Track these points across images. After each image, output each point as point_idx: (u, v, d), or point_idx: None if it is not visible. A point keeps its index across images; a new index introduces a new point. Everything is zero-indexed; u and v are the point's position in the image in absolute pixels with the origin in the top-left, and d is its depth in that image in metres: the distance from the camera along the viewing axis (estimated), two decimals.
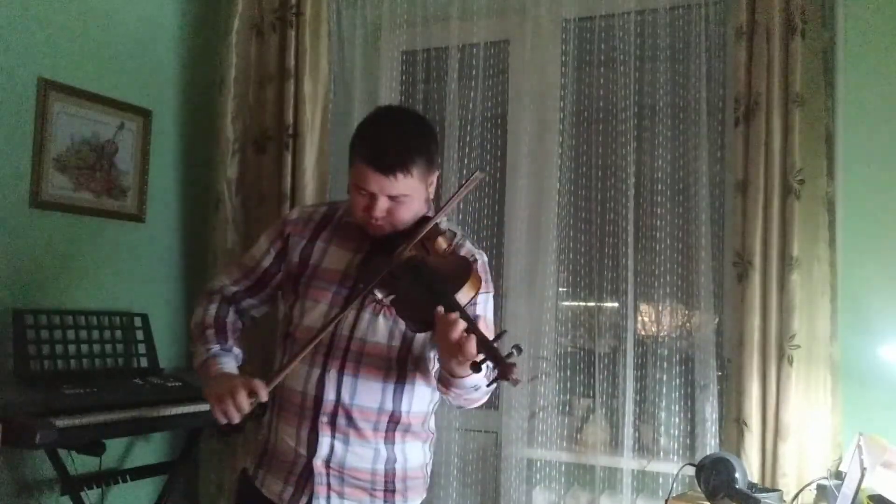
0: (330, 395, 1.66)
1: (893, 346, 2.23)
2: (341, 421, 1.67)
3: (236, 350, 1.83)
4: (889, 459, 1.98)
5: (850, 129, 2.36)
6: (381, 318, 1.70)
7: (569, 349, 2.72)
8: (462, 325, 1.43)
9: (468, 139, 2.82)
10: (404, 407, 1.72)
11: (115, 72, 2.87)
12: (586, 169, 2.73)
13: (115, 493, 2.80)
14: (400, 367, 1.70)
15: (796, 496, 2.12)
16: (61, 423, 2.12)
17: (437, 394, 1.76)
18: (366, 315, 1.70)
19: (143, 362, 2.76)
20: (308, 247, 1.78)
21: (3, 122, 2.53)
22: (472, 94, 2.84)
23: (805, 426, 2.25)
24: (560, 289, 2.71)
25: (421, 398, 1.75)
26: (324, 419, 1.67)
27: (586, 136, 2.76)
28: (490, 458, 2.77)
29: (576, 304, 2.75)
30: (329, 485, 1.68)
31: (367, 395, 1.68)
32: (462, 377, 1.52)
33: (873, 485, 1.90)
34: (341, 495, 1.69)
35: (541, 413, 2.68)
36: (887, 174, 2.33)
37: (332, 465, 1.68)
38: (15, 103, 2.56)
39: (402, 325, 1.67)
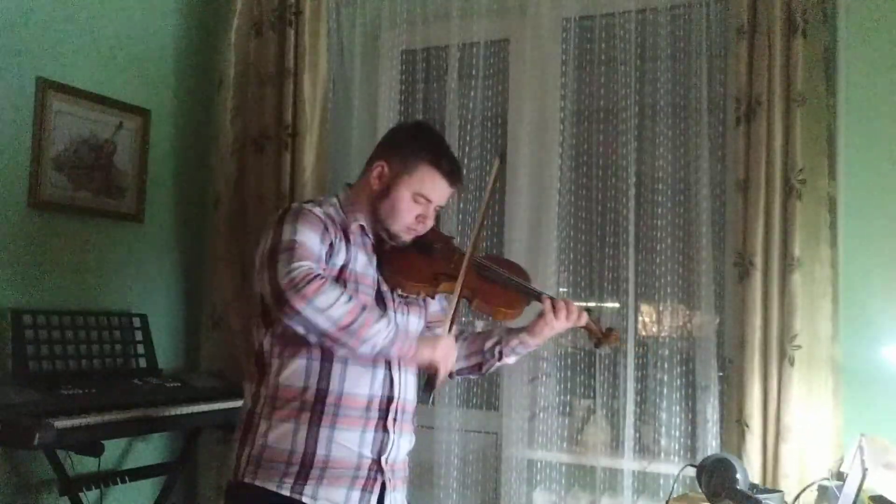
0: (398, 392, 1.77)
1: (895, 346, 2.22)
2: (401, 416, 1.79)
3: None
4: (891, 460, 1.98)
5: (852, 128, 2.36)
6: (411, 316, 1.85)
7: (569, 350, 2.72)
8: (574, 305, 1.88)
9: (468, 139, 2.82)
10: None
11: (113, 71, 2.87)
12: (586, 169, 2.73)
13: (114, 493, 2.79)
14: None
15: (797, 497, 2.11)
16: (60, 423, 2.12)
17: None
18: (399, 313, 1.82)
19: (142, 363, 2.76)
20: (347, 249, 1.76)
21: (2, 122, 2.53)
22: (472, 93, 2.83)
23: (806, 427, 2.25)
24: (560, 289, 2.70)
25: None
26: (392, 417, 1.76)
27: (587, 136, 2.75)
28: (490, 459, 2.77)
29: (576, 304, 2.72)
30: (389, 480, 1.76)
31: (411, 388, 1.82)
32: (535, 348, 1.94)
33: (875, 486, 1.90)
34: (395, 488, 1.79)
35: (541, 414, 2.67)
36: (889, 173, 2.33)
37: (390, 460, 1.76)
38: (14, 103, 2.56)
39: (421, 319, 1.88)
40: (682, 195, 2.58)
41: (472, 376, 2.03)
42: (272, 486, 1.69)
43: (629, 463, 2.52)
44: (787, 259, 2.29)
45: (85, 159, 2.77)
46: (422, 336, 1.80)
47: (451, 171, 1.81)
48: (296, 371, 1.71)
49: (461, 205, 2.81)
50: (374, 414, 1.73)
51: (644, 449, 2.58)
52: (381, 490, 1.76)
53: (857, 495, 1.70)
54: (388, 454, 1.76)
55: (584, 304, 2.73)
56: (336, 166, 2.93)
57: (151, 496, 2.83)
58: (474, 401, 2.81)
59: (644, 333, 2.66)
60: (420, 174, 1.77)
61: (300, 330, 1.61)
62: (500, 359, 1.94)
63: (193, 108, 3.17)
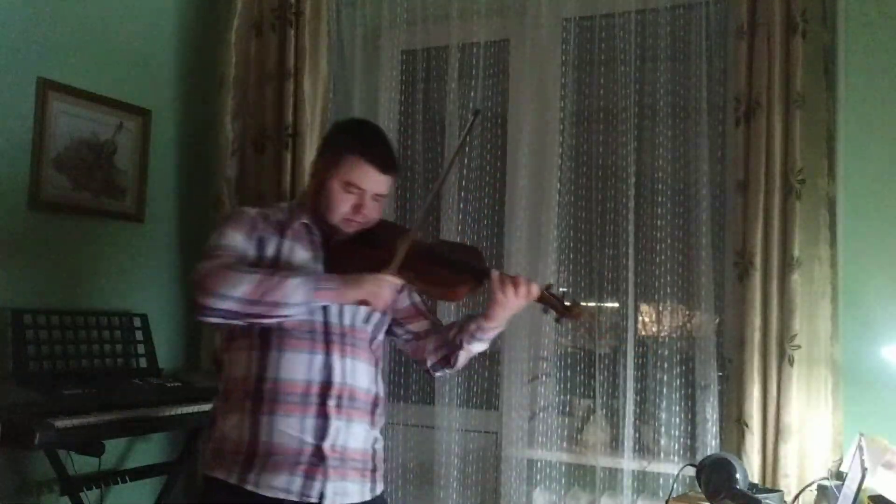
0: (337, 377, 1.76)
1: (894, 346, 2.22)
2: (345, 402, 1.77)
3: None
4: (890, 460, 1.98)
5: (851, 128, 2.36)
6: (361, 310, 1.82)
7: (569, 349, 2.72)
8: (522, 278, 1.79)
9: (468, 139, 2.81)
10: (379, 390, 1.88)
11: (114, 72, 2.87)
12: (586, 169, 2.73)
13: (114, 493, 2.79)
14: (373, 350, 1.87)
15: (797, 497, 2.12)
16: (60, 423, 2.12)
17: None
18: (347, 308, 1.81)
19: (143, 363, 2.76)
20: (280, 242, 1.82)
21: (3, 122, 2.53)
22: (472, 93, 2.83)
23: (806, 427, 2.25)
24: (560, 289, 2.69)
25: (382, 384, 1.91)
26: (331, 402, 1.74)
27: (586, 136, 2.75)
28: (490, 459, 2.77)
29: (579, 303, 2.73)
30: (335, 468, 1.74)
31: (362, 375, 1.81)
32: (497, 329, 1.86)
33: (874, 485, 1.90)
34: (343, 477, 1.76)
35: (541, 413, 2.67)
36: (888, 174, 2.33)
37: (336, 447, 1.75)
38: (14, 103, 2.56)
39: (377, 312, 1.84)
40: (682, 195, 2.58)
41: (446, 370, 1.98)
42: (222, 476, 1.75)
43: (629, 463, 2.52)
44: (787, 259, 2.29)
45: (85, 159, 2.77)
46: (346, 276, 1.74)
47: (378, 157, 1.79)
48: (240, 362, 1.78)
49: (462, 204, 2.81)
50: (314, 399, 1.74)
51: (644, 449, 2.59)
52: (323, 478, 1.73)
53: (857, 495, 1.70)
54: (331, 440, 1.74)
55: (583, 304, 2.74)
56: None
57: (151, 496, 2.83)
58: (474, 400, 2.81)
59: (644, 333, 2.66)
60: (347, 163, 1.78)
61: (220, 322, 1.68)
62: (461, 346, 1.89)
63: (193, 108, 3.17)
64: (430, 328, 1.97)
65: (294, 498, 1.72)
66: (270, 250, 1.79)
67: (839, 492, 1.90)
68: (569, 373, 2.69)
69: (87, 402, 2.31)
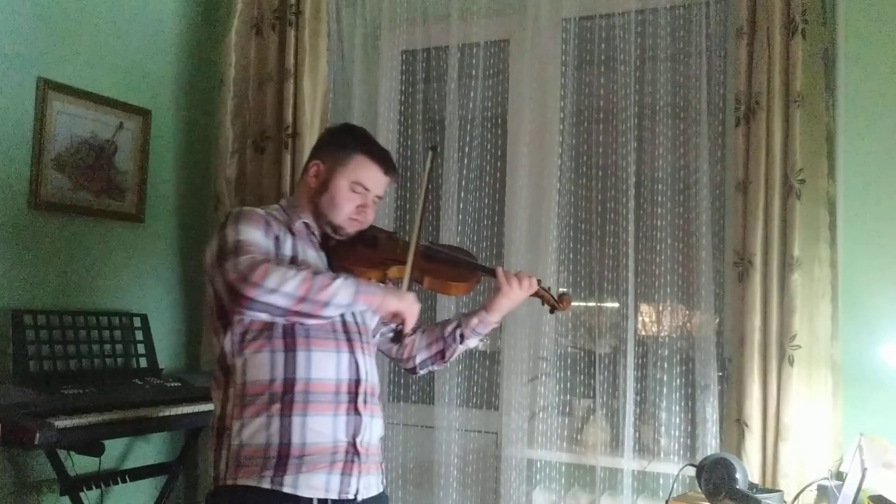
0: (364, 374, 1.81)
1: (894, 346, 2.22)
2: (370, 399, 1.82)
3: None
4: (890, 460, 1.98)
5: (851, 128, 2.36)
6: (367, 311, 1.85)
7: (569, 349, 2.72)
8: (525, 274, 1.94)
9: (468, 139, 2.82)
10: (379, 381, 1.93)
11: (114, 72, 2.87)
12: (586, 169, 2.73)
13: (114, 493, 2.80)
14: (374, 345, 1.94)
15: (797, 497, 2.11)
16: (60, 423, 2.12)
17: None
18: None
19: (143, 363, 2.76)
20: (295, 242, 1.84)
21: (3, 122, 2.53)
22: (472, 93, 2.83)
23: (806, 426, 2.25)
24: (560, 289, 2.71)
25: None
26: (361, 399, 1.79)
27: (586, 136, 2.75)
28: (490, 459, 2.77)
29: (576, 304, 2.74)
30: (365, 463, 1.78)
31: (375, 371, 1.87)
32: (495, 324, 1.99)
33: (874, 485, 1.90)
34: (369, 471, 1.80)
35: (541, 413, 2.68)
36: (888, 174, 2.33)
37: (363, 444, 1.78)
38: (14, 103, 2.56)
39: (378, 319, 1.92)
40: (681, 195, 2.58)
41: (435, 367, 2.05)
42: (253, 482, 1.69)
43: (629, 462, 2.52)
44: (787, 259, 2.29)
45: (85, 159, 2.77)
46: (386, 286, 1.83)
47: (384, 159, 1.89)
48: (261, 366, 1.73)
49: (461, 205, 2.81)
50: (344, 397, 1.76)
51: (644, 448, 2.59)
52: (358, 473, 1.77)
53: (857, 495, 1.70)
54: (363, 436, 1.78)
55: (583, 304, 2.75)
56: None
57: (151, 496, 2.84)
58: (474, 400, 2.81)
59: (644, 333, 2.66)
60: (354, 163, 1.85)
61: (264, 317, 1.65)
62: (461, 341, 1.99)
63: (193, 108, 3.17)
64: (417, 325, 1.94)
65: (334, 496, 1.73)
66: (287, 249, 1.80)
67: (839, 492, 1.90)
68: (569, 373, 2.69)
69: (87, 402, 2.32)
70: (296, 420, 1.71)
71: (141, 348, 2.77)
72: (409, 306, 1.76)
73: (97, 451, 2.32)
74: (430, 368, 2.06)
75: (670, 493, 2.27)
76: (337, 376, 1.76)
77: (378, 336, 2.02)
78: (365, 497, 1.79)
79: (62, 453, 2.43)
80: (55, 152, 2.67)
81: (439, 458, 2.76)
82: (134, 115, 2.92)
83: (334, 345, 1.77)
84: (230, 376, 1.77)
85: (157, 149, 3.03)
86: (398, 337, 1.85)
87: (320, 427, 1.72)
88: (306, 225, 1.88)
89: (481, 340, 2.11)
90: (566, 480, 2.65)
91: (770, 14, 2.34)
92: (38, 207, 2.62)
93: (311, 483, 1.70)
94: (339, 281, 1.66)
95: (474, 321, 1.97)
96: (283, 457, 1.69)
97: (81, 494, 2.46)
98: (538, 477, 2.67)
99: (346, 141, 1.90)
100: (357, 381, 1.79)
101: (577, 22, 2.75)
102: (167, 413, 2.46)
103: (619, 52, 2.64)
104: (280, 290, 1.60)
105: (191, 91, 3.17)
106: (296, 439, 1.70)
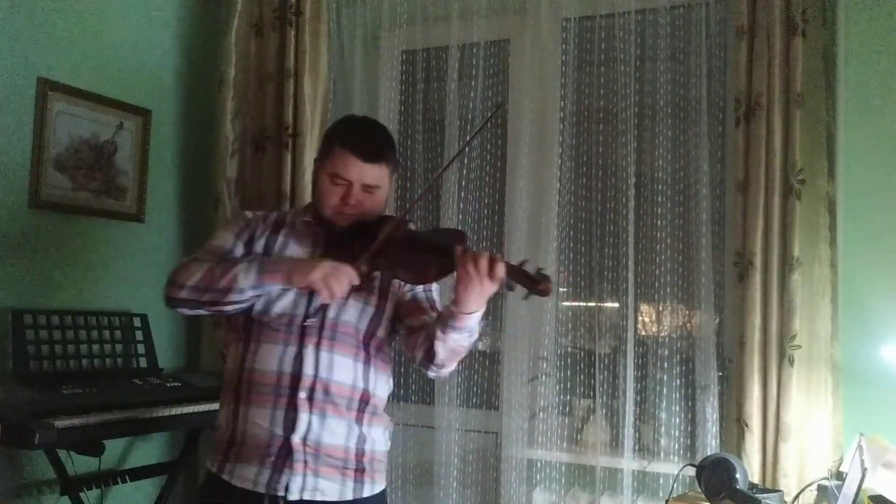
0: (308, 370, 1.75)
1: (894, 346, 2.22)
2: (319, 396, 1.74)
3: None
4: (890, 460, 1.98)
5: (851, 128, 2.36)
6: (350, 300, 1.79)
7: (569, 349, 2.72)
8: (486, 252, 1.62)
9: (468, 139, 2.82)
10: (371, 387, 1.82)
11: (114, 72, 2.87)
12: (586, 169, 2.73)
13: (114, 493, 2.79)
14: (366, 348, 1.82)
15: (797, 497, 2.12)
16: (60, 423, 2.12)
17: (392, 382, 1.92)
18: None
19: (143, 362, 2.76)
20: (272, 239, 1.87)
21: (3, 122, 2.53)
22: (471, 93, 2.83)
23: (806, 426, 2.25)
24: (560, 289, 2.71)
25: (383, 383, 1.87)
26: (302, 395, 1.74)
27: (586, 136, 2.75)
28: (490, 459, 2.77)
29: (576, 304, 2.74)
30: (305, 462, 1.73)
31: (342, 370, 1.77)
32: (472, 313, 1.66)
33: (874, 485, 1.90)
34: (316, 473, 1.74)
35: (541, 413, 2.67)
36: (888, 174, 2.33)
37: (308, 442, 1.74)
38: (14, 103, 2.56)
39: (371, 306, 1.82)
40: (681, 195, 2.58)
41: (433, 367, 1.80)
42: (209, 465, 1.83)
43: (629, 462, 2.52)
44: (787, 259, 2.29)
45: (85, 159, 2.77)
46: (300, 260, 1.78)
47: (362, 147, 1.78)
48: (231, 355, 1.84)
49: (461, 204, 2.81)
50: (285, 391, 1.74)
51: (644, 448, 2.59)
52: (290, 472, 1.71)
53: (857, 495, 1.70)
54: (302, 434, 1.72)
55: (583, 304, 2.75)
56: None
57: (152, 496, 2.84)
58: (474, 400, 2.81)
59: (644, 333, 2.66)
60: (332, 156, 1.82)
61: (187, 311, 1.80)
62: (437, 338, 1.72)
63: (193, 108, 3.17)
64: (425, 322, 1.81)
65: (261, 490, 1.73)
66: (259, 246, 1.85)
67: (839, 492, 1.90)
68: (569, 373, 2.69)
69: (87, 402, 2.31)
70: (241, 409, 1.77)
71: (141, 348, 2.77)
72: (319, 277, 1.65)
73: (97, 451, 2.31)
74: (431, 370, 1.83)
75: (670, 493, 2.27)
76: (279, 369, 1.75)
77: (397, 335, 1.90)
78: (309, 499, 1.73)
79: (62, 453, 2.42)
80: (55, 152, 2.67)
81: (439, 458, 2.76)
82: (134, 115, 2.92)
83: (283, 338, 1.76)
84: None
85: (157, 148, 3.03)
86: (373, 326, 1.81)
87: (258, 419, 1.75)
88: (307, 223, 1.89)
89: (480, 339, 1.96)
90: (566, 480, 2.65)
91: (770, 14, 2.34)
92: (38, 207, 2.62)
93: (243, 474, 1.75)
94: (243, 265, 1.71)
95: (446, 313, 1.70)
96: (229, 445, 1.78)
97: (81, 494, 2.46)
98: (538, 477, 2.67)
99: (330, 135, 1.90)
100: (298, 376, 1.73)
101: (578, 22, 2.75)
102: (167, 413, 2.45)
103: (619, 51, 2.64)
104: (186, 285, 1.72)
105: (191, 91, 3.16)
106: (240, 428, 1.77)
